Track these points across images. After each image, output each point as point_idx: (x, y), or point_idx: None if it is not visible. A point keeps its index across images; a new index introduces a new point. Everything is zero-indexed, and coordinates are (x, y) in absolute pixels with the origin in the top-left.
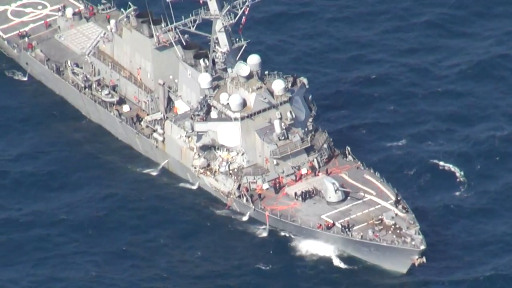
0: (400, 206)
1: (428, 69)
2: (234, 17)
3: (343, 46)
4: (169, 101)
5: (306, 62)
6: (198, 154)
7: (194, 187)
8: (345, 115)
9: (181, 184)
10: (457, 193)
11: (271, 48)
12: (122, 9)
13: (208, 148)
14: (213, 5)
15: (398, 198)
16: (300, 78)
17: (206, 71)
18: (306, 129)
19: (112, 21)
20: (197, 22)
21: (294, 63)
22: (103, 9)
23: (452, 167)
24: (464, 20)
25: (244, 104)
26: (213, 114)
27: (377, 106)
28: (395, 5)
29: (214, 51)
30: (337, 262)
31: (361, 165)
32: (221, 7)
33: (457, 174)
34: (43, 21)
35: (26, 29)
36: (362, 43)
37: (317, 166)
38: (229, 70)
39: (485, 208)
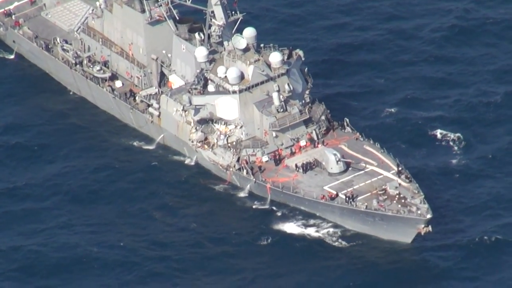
0: (403, 176)
1: (413, 34)
2: None
3: (326, 13)
4: (162, 76)
5: (290, 31)
6: (196, 128)
7: (192, 163)
8: (333, 83)
9: (177, 157)
10: (453, 158)
11: (256, 18)
12: None
13: (206, 122)
14: None
15: (400, 168)
16: (296, 50)
17: (202, 45)
18: (303, 101)
19: None
20: None
21: (278, 32)
22: None
23: (446, 132)
24: None
25: (241, 77)
26: (211, 87)
27: (364, 73)
28: None
29: (210, 24)
30: (337, 238)
31: (360, 136)
32: None
33: (452, 138)
34: None
35: (11, 7)
36: (344, 10)
37: (315, 138)
38: (225, 43)
39: (482, 172)
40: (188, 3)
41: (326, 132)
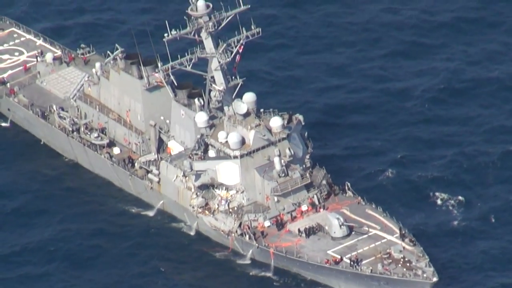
0: (406, 240)
1: (406, 95)
2: (230, 55)
3: (318, 75)
4: (161, 142)
5: (283, 93)
6: (196, 194)
7: (192, 231)
8: (329, 145)
9: (176, 224)
10: (453, 219)
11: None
12: (108, 52)
13: (207, 187)
14: (209, 44)
15: (403, 232)
16: (295, 115)
17: (201, 110)
18: (304, 166)
19: (97, 64)
20: (193, 61)
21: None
22: (82, 54)
23: (444, 194)
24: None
25: (242, 142)
26: (211, 152)
27: (359, 135)
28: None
29: (210, 89)
30: None
31: (361, 200)
32: (216, 46)
33: (449, 199)
34: (21, 67)
35: (5, 75)
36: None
37: (317, 202)
38: (225, 108)
39: (483, 232)
40: (188, 68)
41: (327, 196)
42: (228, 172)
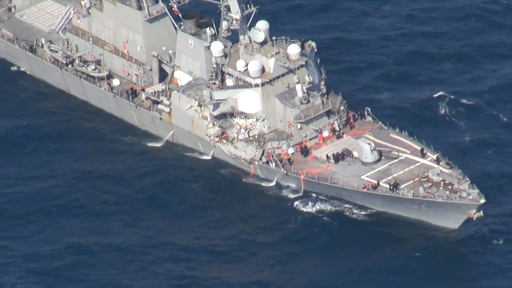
0: (441, 163)
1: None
2: None
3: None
4: (162, 72)
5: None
6: (213, 123)
7: (208, 157)
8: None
9: (192, 154)
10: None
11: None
12: None
13: (224, 116)
14: None
15: (438, 157)
16: (308, 42)
17: (212, 39)
18: (321, 92)
19: None
20: None
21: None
22: None
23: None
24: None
25: (262, 70)
26: (229, 81)
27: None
28: None
29: (225, 18)
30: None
31: (382, 125)
32: None
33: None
34: None
35: None
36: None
37: (337, 128)
38: (241, 37)
39: None
40: None
41: (347, 122)
42: (249, 101)
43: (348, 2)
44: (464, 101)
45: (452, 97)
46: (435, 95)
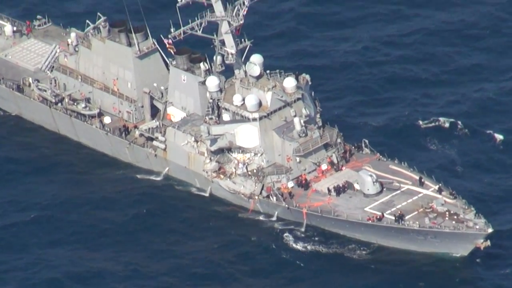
0: (444, 193)
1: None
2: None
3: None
4: (152, 108)
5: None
6: (210, 158)
7: (206, 194)
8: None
9: (187, 188)
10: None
11: None
12: (87, 21)
13: (221, 151)
14: (218, 7)
15: (440, 187)
16: (302, 75)
17: (207, 74)
18: (317, 125)
19: (73, 34)
20: (203, 25)
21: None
22: (39, 25)
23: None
24: None
25: (259, 104)
26: (226, 116)
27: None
28: None
29: (220, 53)
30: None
31: (380, 156)
32: (224, 9)
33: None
34: None
35: None
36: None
37: (335, 161)
38: (236, 71)
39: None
40: (199, 33)
41: (344, 154)
42: (246, 135)
43: (320, 30)
44: (445, 121)
45: (433, 118)
46: (416, 117)
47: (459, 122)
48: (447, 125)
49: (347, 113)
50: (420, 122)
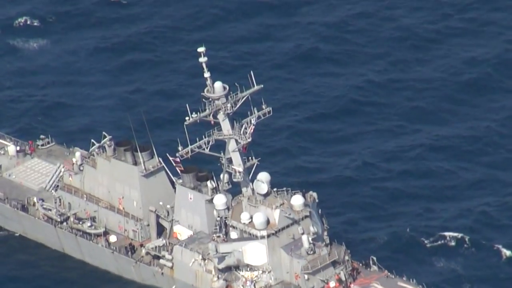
0: None
1: None
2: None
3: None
4: (158, 226)
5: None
6: (218, 276)
7: None
8: None
9: None
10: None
11: None
12: (92, 140)
13: (229, 269)
14: (226, 125)
15: None
16: (309, 192)
17: (214, 193)
18: (324, 243)
19: (77, 154)
20: (210, 143)
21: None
22: (42, 145)
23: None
24: None
25: (267, 221)
26: (233, 234)
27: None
28: None
29: (227, 171)
30: None
31: (388, 273)
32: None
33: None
34: None
35: None
36: None
37: (343, 278)
38: (243, 189)
39: None
40: (206, 151)
41: (351, 272)
42: (254, 253)
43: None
44: (450, 236)
45: (438, 233)
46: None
47: (465, 237)
48: (452, 240)
49: (351, 229)
50: (425, 238)
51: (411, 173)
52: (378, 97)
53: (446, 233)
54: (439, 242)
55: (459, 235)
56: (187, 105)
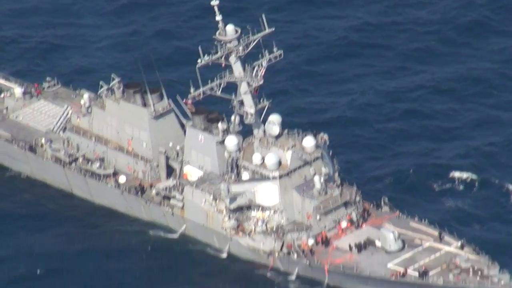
0: (466, 249)
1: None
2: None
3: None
4: (167, 167)
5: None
6: (229, 216)
7: (224, 255)
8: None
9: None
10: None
11: None
12: (101, 82)
13: (240, 209)
14: (238, 68)
15: (462, 243)
16: (320, 134)
17: (225, 134)
18: (335, 183)
19: (86, 95)
20: (222, 85)
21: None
22: (48, 87)
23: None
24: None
25: (279, 162)
26: (245, 175)
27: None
28: None
29: (238, 113)
30: None
31: (400, 213)
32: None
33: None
34: None
35: None
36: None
37: (355, 219)
38: (255, 131)
39: None
40: (218, 93)
41: (363, 213)
42: (266, 193)
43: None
44: (458, 174)
45: (445, 171)
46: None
47: (472, 176)
48: (459, 179)
49: (355, 169)
50: (432, 177)
51: (414, 113)
52: (377, 39)
53: (453, 172)
54: (447, 182)
55: (467, 174)
56: (199, 47)
